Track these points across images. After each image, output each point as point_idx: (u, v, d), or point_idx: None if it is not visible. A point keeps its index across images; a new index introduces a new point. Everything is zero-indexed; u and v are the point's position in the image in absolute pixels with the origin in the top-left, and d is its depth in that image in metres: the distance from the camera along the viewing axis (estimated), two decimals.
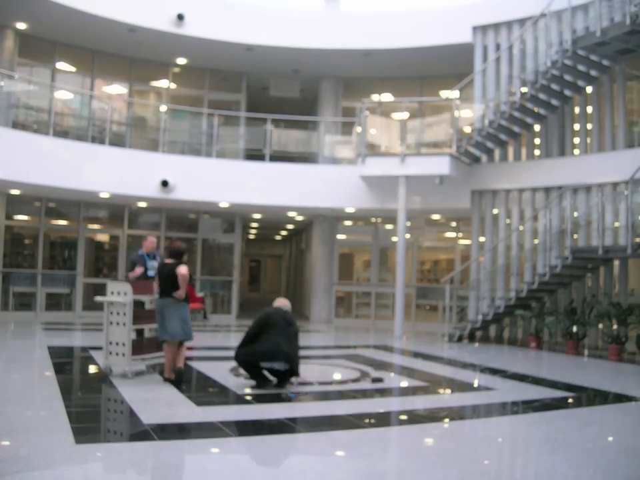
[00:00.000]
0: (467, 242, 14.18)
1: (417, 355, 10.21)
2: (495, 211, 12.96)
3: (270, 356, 6.29)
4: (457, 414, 6.01)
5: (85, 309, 14.32)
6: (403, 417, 5.93)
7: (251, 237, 26.25)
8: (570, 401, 6.73)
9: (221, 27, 13.79)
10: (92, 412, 5.67)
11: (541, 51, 11.44)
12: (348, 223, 16.17)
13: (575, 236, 11.12)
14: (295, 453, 4.55)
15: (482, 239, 13.19)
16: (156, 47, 14.39)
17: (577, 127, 12.22)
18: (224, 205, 14.18)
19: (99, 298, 7.07)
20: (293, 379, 6.55)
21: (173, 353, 6.58)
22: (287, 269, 26.85)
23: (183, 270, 6.53)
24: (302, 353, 8.71)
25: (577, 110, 12.23)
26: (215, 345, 11.18)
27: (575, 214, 11.27)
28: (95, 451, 4.33)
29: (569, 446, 4.84)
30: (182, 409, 5.63)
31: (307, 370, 7.06)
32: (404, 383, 7.68)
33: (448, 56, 13.73)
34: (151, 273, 8.16)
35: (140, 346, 7.07)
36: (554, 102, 12.00)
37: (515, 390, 7.24)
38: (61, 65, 14.66)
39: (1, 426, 4.75)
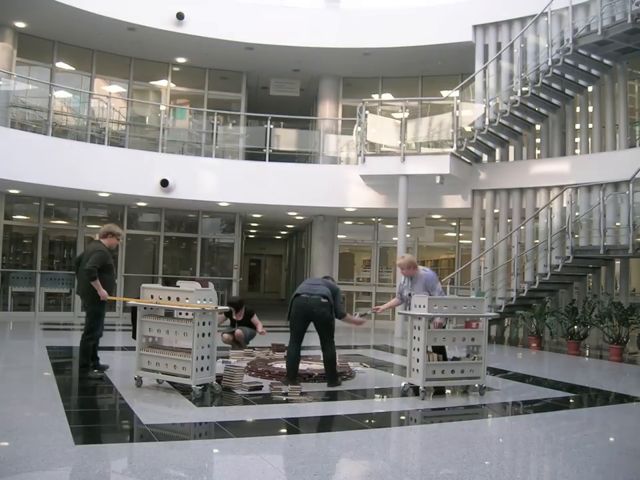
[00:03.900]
0: (468, 242, 14.16)
1: None
2: (496, 211, 12.93)
3: None
4: (458, 414, 5.98)
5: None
6: (403, 417, 5.90)
7: (251, 236, 26.22)
8: (571, 401, 6.71)
9: (221, 26, 13.77)
10: (91, 412, 5.64)
11: (542, 49, 11.41)
12: (348, 222, 16.14)
13: (576, 235, 11.09)
14: (295, 454, 4.52)
15: (483, 238, 13.16)
16: (155, 46, 14.36)
17: (578, 126, 12.19)
18: (224, 204, 14.15)
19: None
20: None
21: None
22: (287, 268, 26.83)
23: None
24: (303, 353, 8.73)
25: (578, 109, 12.20)
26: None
27: (576, 213, 11.24)
28: (94, 452, 4.30)
29: (570, 446, 4.81)
30: (181, 410, 5.61)
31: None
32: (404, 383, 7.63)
33: (448, 55, 13.71)
34: None
35: None
36: (555, 101, 11.98)
37: (515, 390, 7.22)
38: (60, 64, 14.63)
39: (0, 426, 4.73)
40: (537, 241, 11.90)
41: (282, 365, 7.37)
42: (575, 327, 10.69)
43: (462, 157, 12.50)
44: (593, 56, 10.96)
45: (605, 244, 10.20)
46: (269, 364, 7.59)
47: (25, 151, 11.58)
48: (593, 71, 11.41)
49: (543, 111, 12.09)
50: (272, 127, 14.03)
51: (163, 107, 15.09)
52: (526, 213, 12.40)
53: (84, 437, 4.56)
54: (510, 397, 6.91)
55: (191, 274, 15.40)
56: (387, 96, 15.91)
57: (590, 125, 11.98)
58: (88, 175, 12.40)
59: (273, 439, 4.87)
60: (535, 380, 7.89)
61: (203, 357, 5.95)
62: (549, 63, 11.02)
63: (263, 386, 6.45)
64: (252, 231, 24.04)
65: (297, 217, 16.64)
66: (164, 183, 12.83)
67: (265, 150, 13.84)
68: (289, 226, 21.18)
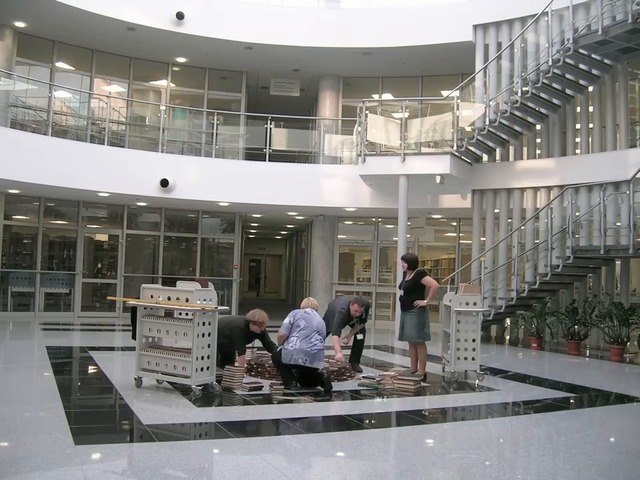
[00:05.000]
0: (468, 241, 14.15)
1: None
2: (496, 211, 12.92)
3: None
4: (458, 414, 5.97)
5: (84, 309, 14.29)
6: (404, 418, 5.89)
7: (251, 236, 26.22)
8: (571, 401, 6.70)
9: (221, 25, 13.75)
10: (91, 412, 5.63)
11: (543, 49, 11.39)
12: (348, 222, 16.14)
13: (577, 235, 11.08)
14: (295, 454, 4.51)
15: (483, 238, 13.15)
16: (155, 45, 14.35)
17: (578, 126, 12.17)
18: (224, 204, 14.14)
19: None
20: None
21: (412, 352, 7.66)
22: (287, 268, 26.81)
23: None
24: None
25: (578, 109, 12.18)
26: None
27: (577, 213, 11.23)
28: (94, 452, 4.29)
29: (570, 447, 4.80)
30: (181, 410, 5.60)
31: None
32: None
33: (449, 55, 13.69)
34: None
35: None
36: (555, 101, 11.96)
37: (516, 390, 7.21)
38: (60, 64, 14.62)
39: (0, 426, 4.73)
40: (537, 241, 11.89)
41: None
42: (576, 327, 10.68)
43: (462, 157, 12.49)
44: (594, 56, 10.94)
45: (606, 244, 10.19)
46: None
47: (25, 151, 11.57)
48: (594, 71, 11.40)
49: (543, 110, 12.08)
50: (272, 126, 14.03)
51: (162, 107, 15.08)
52: (526, 212, 12.39)
53: (84, 437, 4.55)
54: (510, 397, 6.90)
55: (191, 274, 15.39)
56: (387, 96, 15.89)
57: (590, 125, 11.96)
58: (88, 175, 12.38)
59: (273, 439, 4.86)
60: (535, 380, 7.88)
61: (202, 357, 5.95)
62: (550, 63, 11.01)
63: (263, 386, 6.45)
64: (252, 231, 24.04)
65: (297, 217, 16.63)
66: (164, 182, 12.81)
67: (265, 150, 13.83)
68: (289, 226, 21.17)
